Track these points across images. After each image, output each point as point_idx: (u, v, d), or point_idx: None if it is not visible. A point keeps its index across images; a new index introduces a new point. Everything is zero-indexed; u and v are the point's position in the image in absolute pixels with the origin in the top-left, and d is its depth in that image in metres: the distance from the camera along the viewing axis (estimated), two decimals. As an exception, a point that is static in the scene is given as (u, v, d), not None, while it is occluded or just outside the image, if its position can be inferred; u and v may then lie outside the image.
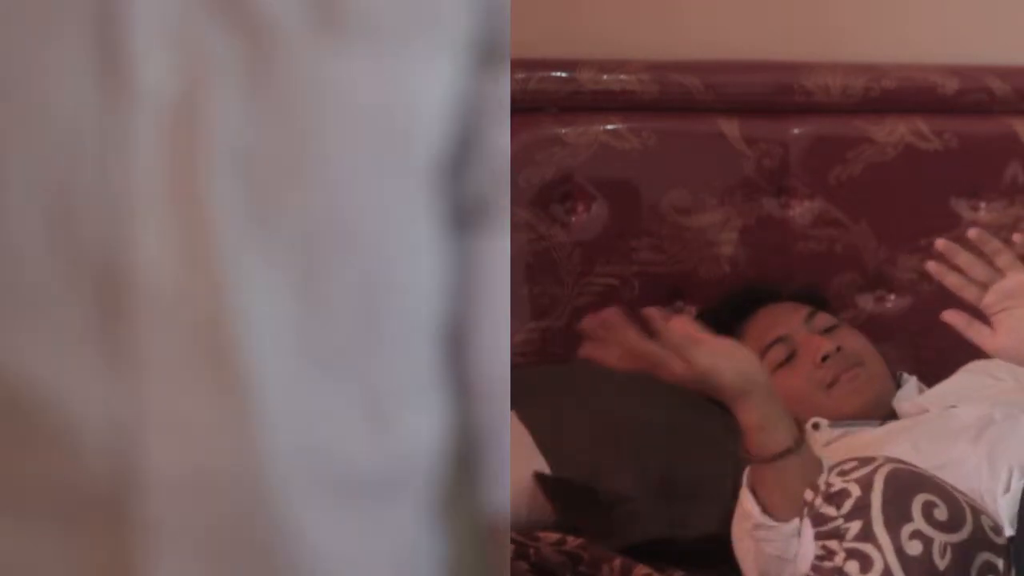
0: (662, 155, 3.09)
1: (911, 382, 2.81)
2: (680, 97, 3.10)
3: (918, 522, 2.11)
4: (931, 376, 2.83)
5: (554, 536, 2.60)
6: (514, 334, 2.94)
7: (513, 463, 1.71)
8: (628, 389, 2.82)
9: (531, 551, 2.53)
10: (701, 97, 3.10)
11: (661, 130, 3.09)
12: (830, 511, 2.17)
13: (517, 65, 3.07)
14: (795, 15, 3.23)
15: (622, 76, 3.08)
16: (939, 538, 2.11)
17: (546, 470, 2.76)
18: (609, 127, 3.08)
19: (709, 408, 2.52)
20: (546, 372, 2.97)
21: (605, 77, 3.08)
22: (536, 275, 3.06)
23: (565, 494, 2.74)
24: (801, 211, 3.14)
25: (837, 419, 2.67)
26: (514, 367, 2.89)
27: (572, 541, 2.57)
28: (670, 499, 2.70)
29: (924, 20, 3.25)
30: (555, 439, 2.81)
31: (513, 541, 2.58)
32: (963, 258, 2.33)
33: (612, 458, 2.76)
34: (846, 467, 2.21)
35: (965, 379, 2.76)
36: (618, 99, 3.08)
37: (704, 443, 2.71)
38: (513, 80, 3.05)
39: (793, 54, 3.17)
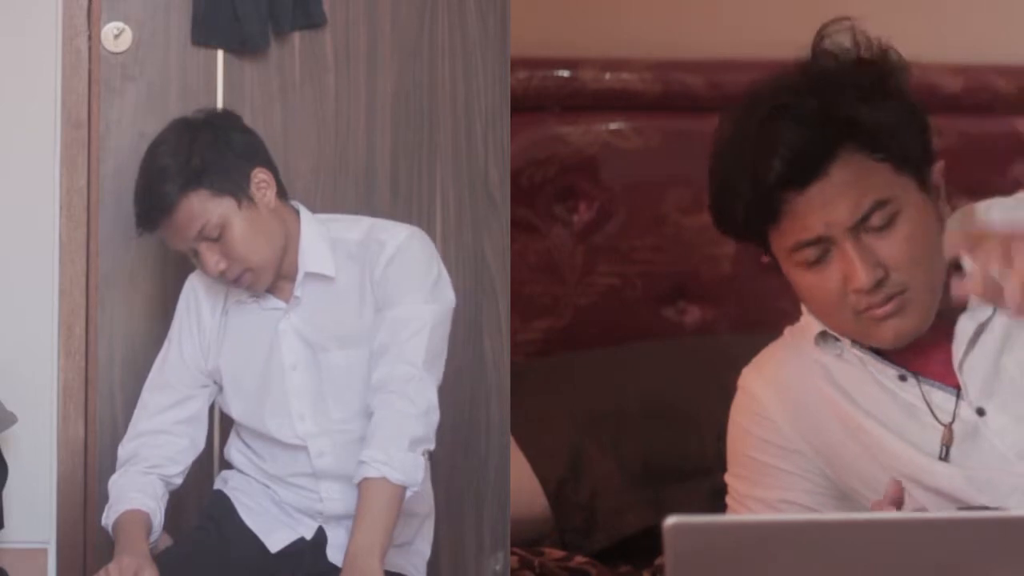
0: (665, 155, 3.07)
1: None
2: (683, 96, 3.09)
3: None
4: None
5: (559, 553, 2.60)
6: (516, 333, 2.93)
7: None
8: (601, 379, 2.82)
9: (536, 563, 2.53)
10: (704, 96, 3.08)
11: (664, 129, 3.08)
12: None
13: (519, 64, 3.07)
14: (799, 13, 3.22)
15: (624, 75, 3.07)
16: None
17: (526, 466, 2.75)
18: (612, 126, 3.07)
19: (684, 385, 2.50)
20: (519, 369, 2.95)
21: (607, 76, 3.07)
22: (538, 274, 3.05)
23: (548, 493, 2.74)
24: (804, 210, 3.13)
25: None
26: (515, 365, 2.93)
27: (579, 559, 2.57)
28: (654, 484, 2.69)
29: (929, 19, 3.23)
30: (533, 434, 2.79)
31: (516, 554, 2.57)
32: None
33: (592, 449, 2.75)
34: None
35: None
36: (620, 98, 3.07)
37: (681, 421, 2.72)
38: (515, 79, 3.06)
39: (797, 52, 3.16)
